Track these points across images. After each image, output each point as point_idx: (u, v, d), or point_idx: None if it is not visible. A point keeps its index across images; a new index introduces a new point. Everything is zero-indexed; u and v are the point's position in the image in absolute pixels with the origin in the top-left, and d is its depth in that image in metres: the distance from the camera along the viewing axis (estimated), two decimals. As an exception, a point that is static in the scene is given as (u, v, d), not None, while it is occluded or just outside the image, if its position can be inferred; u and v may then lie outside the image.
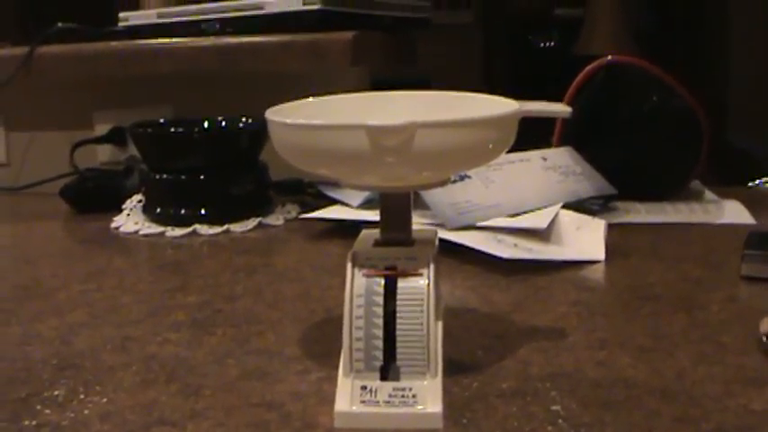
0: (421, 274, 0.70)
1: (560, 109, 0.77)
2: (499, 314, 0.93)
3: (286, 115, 0.73)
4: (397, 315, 0.69)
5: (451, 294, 1.00)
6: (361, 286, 0.70)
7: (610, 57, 1.42)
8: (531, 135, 1.36)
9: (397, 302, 0.69)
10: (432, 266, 0.70)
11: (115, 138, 1.74)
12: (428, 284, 0.69)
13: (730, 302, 0.95)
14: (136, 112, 1.63)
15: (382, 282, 0.70)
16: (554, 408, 0.71)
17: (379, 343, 0.69)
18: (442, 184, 0.75)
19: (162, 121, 1.51)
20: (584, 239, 1.15)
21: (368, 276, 0.70)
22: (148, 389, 0.78)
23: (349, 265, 0.71)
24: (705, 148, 1.39)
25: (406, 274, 0.70)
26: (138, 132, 1.42)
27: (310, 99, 0.81)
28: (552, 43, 2.31)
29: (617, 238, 1.18)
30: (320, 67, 1.51)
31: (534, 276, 1.05)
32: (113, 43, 1.65)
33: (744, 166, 1.65)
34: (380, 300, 0.69)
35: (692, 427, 0.67)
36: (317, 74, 1.55)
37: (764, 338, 0.80)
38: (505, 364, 0.79)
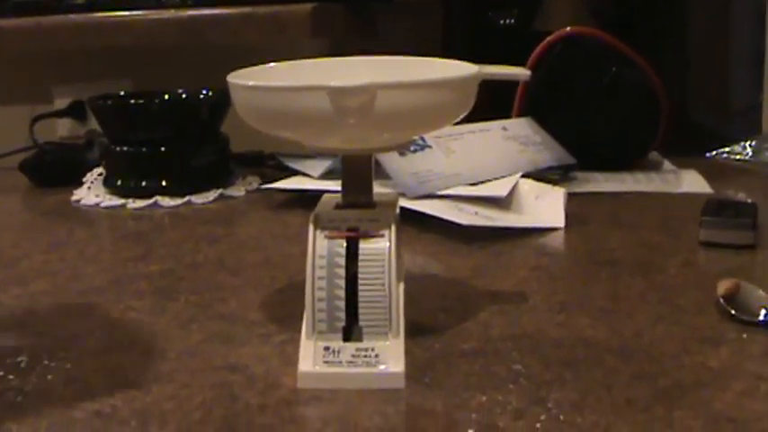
0: (383, 236, 0.70)
1: (519, 72, 0.78)
2: (460, 279, 0.94)
3: (248, 79, 0.73)
4: (359, 276, 0.69)
5: (413, 261, 1.01)
6: (323, 248, 0.70)
7: (569, 28, 1.43)
8: (492, 108, 1.37)
9: (359, 264, 0.70)
10: (393, 228, 0.71)
11: (75, 111, 1.73)
12: (390, 246, 0.70)
13: (688, 267, 0.96)
14: (96, 86, 1.62)
15: (344, 243, 0.70)
16: (515, 367, 0.71)
17: (342, 304, 0.69)
18: (403, 146, 0.76)
19: (122, 93, 1.50)
20: (544, 207, 1.16)
21: (330, 238, 0.70)
22: (112, 353, 0.78)
23: (311, 228, 0.71)
24: (663, 119, 1.41)
25: (367, 236, 0.70)
26: (97, 104, 1.41)
27: (272, 64, 0.81)
28: (512, 20, 2.31)
29: (576, 206, 1.19)
30: (280, 38, 1.51)
31: (495, 243, 1.05)
32: (72, 16, 1.64)
33: (701, 138, 1.66)
34: (342, 261, 0.70)
35: (649, 384, 0.68)
36: (277, 46, 1.55)
37: (721, 300, 0.81)
38: (467, 326, 0.80)
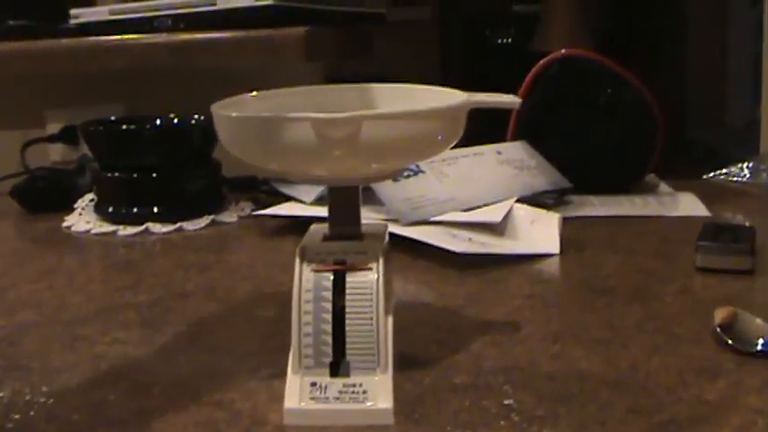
0: (370, 269, 0.69)
1: (510, 100, 0.77)
2: (453, 308, 0.92)
3: (233, 109, 0.72)
4: (347, 310, 0.68)
5: (405, 289, 0.99)
6: (309, 281, 0.69)
7: (564, 50, 1.42)
8: (487, 131, 1.36)
9: (347, 297, 0.68)
10: (381, 260, 0.69)
11: (67, 136, 1.72)
12: (377, 279, 0.68)
13: (684, 294, 0.94)
14: (88, 110, 1.61)
15: (331, 277, 0.69)
16: (507, 402, 0.70)
17: (329, 339, 0.68)
18: (392, 176, 0.74)
19: (112, 118, 1.49)
20: (539, 233, 1.15)
21: (316, 271, 0.69)
22: (96, 389, 0.77)
23: (297, 260, 0.70)
24: (660, 141, 1.39)
25: (355, 269, 0.69)
26: (89, 130, 1.40)
27: (256, 93, 0.80)
28: (509, 39, 2.30)
29: (572, 231, 1.17)
30: (274, 62, 1.50)
31: (488, 270, 1.04)
32: (65, 40, 1.63)
33: (699, 160, 1.65)
34: (329, 295, 0.68)
35: (645, 419, 0.66)
36: (271, 70, 1.54)
37: (718, 329, 0.80)
38: (458, 359, 0.79)
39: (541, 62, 1.40)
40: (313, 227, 0.77)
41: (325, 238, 0.74)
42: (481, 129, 1.37)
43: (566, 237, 1.13)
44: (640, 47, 2.07)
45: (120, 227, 1.34)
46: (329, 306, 0.68)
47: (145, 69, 1.57)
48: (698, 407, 0.68)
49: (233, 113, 0.69)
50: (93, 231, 1.34)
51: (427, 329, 0.87)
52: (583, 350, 0.79)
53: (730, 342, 0.78)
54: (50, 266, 1.16)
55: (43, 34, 1.67)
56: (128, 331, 0.90)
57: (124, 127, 1.43)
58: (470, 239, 1.11)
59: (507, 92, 0.78)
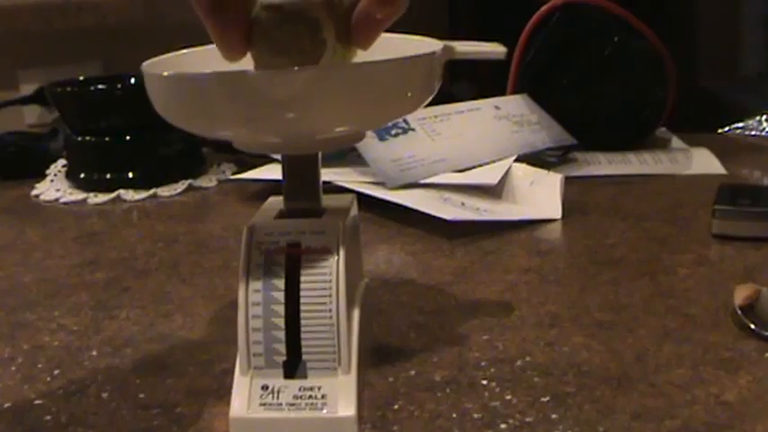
0: (329, 252, 0.58)
1: (492, 50, 0.66)
2: (439, 285, 0.82)
3: (167, 67, 0.62)
4: (302, 301, 0.57)
5: (388, 263, 0.90)
6: (258, 267, 0.58)
7: (566, -4, 1.31)
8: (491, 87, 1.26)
9: (301, 286, 0.58)
10: (342, 242, 0.59)
11: (42, 98, 1.62)
12: (337, 263, 0.58)
13: (699, 266, 0.84)
14: (64, 70, 1.51)
15: (282, 261, 0.58)
16: (493, 404, 0.60)
17: (281, 335, 0.58)
18: (356, 141, 0.64)
19: (81, 78, 1.39)
20: (539, 196, 1.04)
21: (266, 255, 0.59)
22: (28, 389, 0.67)
23: (244, 241, 0.59)
24: (672, 92, 1.29)
25: (311, 252, 0.58)
26: (56, 92, 1.30)
27: (198, 48, 0.69)
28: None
29: (575, 193, 1.07)
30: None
31: (482, 239, 0.94)
32: (33, -5, 1.53)
33: (713, 112, 1.55)
34: (281, 284, 0.58)
35: (653, 426, 0.56)
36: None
37: (738, 311, 0.69)
38: (440, 349, 0.69)
39: (541, 9, 1.30)
40: (270, 200, 0.67)
41: (280, 215, 0.63)
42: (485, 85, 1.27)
43: (568, 199, 1.03)
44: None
45: (92, 194, 1.24)
46: (281, 296, 0.58)
47: (119, 26, 1.47)
48: (716, 410, 0.58)
49: (164, 73, 0.59)
50: (61, 200, 1.25)
51: (407, 312, 0.77)
52: (583, 336, 0.69)
53: (753, 326, 0.68)
54: (8, 241, 1.07)
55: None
56: (76, 317, 0.81)
57: (93, 87, 1.32)
58: (463, 204, 1.01)
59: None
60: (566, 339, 0.69)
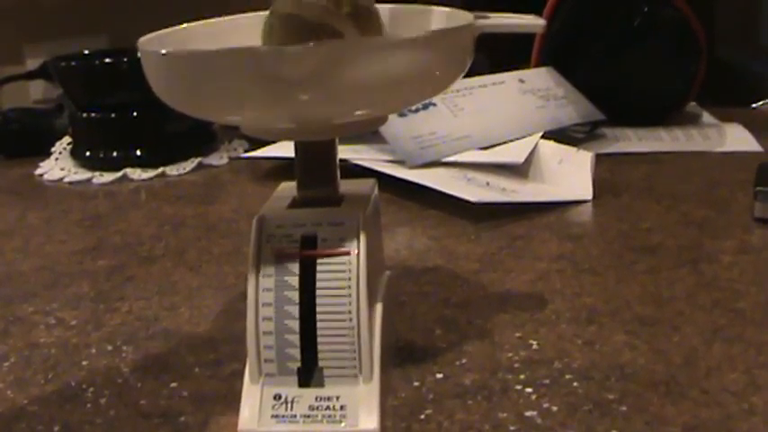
0: (348, 245, 0.53)
1: (530, 22, 0.59)
2: (465, 274, 0.77)
3: (167, 43, 0.56)
4: (318, 302, 0.52)
5: (410, 248, 0.84)
6: (269, 265, 0.53)
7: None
8: (510, 59, 1.20)
9: (318, 285, 0.52)
10: (362, 234, 0.53)
11: (48, 73, 1.56)
12: (357, 259, 0.52)
13: (743, 253, 0.78)
14: (70, 44, 1.46)
15: (297, 258, 0.53)
16: (529, 413, 0.54)
17: (295, 339, 0.52)
18: (378, 125, 0.58)
19: (86, 52, 1.33)
20: (568, 175, 0.99)
21: (278, 250, 0.53)
22: (20, 392, 0.62)
23: (254, 235, 0.54)
24: (703, 65, 1.23)
25: (327, 247, 0.53)
26: (60, 66, 1.24)
27: (202, 21, 0.63)
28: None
29: (606, 171, 1.01)
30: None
31: (509, 223, 0.88)
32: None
33: (745, 86, 1.48)
34: (295, 282, 0.52)
35: (709, 441, 0.50)
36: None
37: (794, 305, 0.64)
38: (469, 347, 0.63)
39: (568, -22, 1.24)
40: (281, 187, 0.61)
41: (293, 204, 0.57)
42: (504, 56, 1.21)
43: (599, 178, 0.98)
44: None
45: (97, 173, 1.19)
46: (295, 296, 0.52)
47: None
48: (779, 422, 0.52)
49: (162, 50, 0.53)
50: (66, 180, 1.20)
51: (432, 304, 0.71)
52: (624, 334, 0.64)
53: (811, 324, 0.62)
54: (9, 225, 1.01)
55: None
56: (75, 309, 0.75)
57: (98, 61, 1.26)
58: (488, 184, 0.95)
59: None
60: (606, 337, 0.63)
